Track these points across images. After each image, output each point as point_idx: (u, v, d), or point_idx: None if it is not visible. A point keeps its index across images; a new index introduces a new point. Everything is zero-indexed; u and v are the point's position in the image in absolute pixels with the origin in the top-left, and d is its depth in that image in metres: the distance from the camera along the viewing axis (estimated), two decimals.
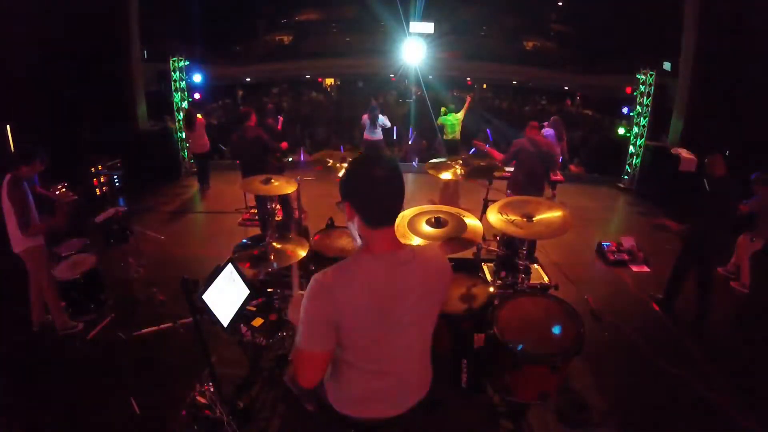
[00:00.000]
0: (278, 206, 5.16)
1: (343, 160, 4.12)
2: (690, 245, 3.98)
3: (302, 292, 1.59)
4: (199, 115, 7.45)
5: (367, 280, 1.36)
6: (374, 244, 1.40)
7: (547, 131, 7.41)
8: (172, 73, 8.22)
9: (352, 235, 1.46)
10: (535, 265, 4.04)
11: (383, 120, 8.08)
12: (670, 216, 4.15)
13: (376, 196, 1.36)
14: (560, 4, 15.44)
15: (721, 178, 3.81)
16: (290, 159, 6.53)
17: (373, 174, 1.35)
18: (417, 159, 9.98)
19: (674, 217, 4.05)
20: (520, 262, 3.11)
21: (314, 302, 1.35)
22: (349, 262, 1.40)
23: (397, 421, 1.54)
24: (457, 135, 8.93)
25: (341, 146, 10.82)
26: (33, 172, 3.47)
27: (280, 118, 8.17)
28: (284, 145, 5.66)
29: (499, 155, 5.01)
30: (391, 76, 14.30)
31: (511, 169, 4.93)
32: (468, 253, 3.30)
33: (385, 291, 1.37)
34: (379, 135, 8.09)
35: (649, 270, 5.07)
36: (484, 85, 18.71)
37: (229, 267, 2.56)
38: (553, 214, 2.90)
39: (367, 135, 8.11)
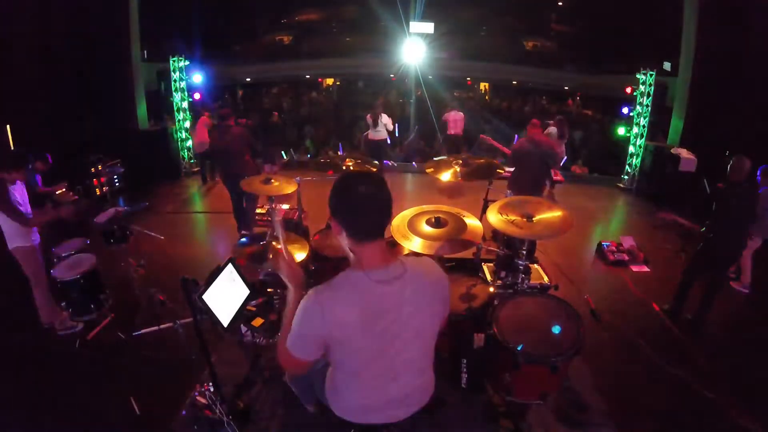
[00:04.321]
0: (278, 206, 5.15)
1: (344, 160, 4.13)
2: (706, 249, 3.85)
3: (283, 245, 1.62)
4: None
5: (359, 298, 1.36)
6: (364, 258, 1.40)
7: (551, 129, 7.45)
8: (172, 73, 8.22)
9: (345, 248, 1.46)
10: (535, 265, 4.04)
11: (386, 120, 8.08)
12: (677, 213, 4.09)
13: (361, 212, 1.36)
14: (560, 4, 15.42)
15: (740, 182, 3.64)
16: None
17: (358, 190, 1.35)
18: (416, 159, 9.97)
19: (681, 213, 3.98)
20: (520, 262, 3.11)
21: (306, 318, 1.36)
22: (340, 279, 1.40)
23: (399, 424, 1.55)
24: (459, 131, 8.95)
25: (340, 145, 10.88)
26: (21, 176, 3.46)
27: (242, 121, 8.31)
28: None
29: (508, 150, 5.21)
30: (392, 76, 14.29)
31: (512, 168, 4.94)
32: (468, 253, 3.29)
33: (378, 306, 1.37)
34: (382, 134, 8.08)
35: (649, 270, 5.07)
36: (483, 86, 18.67)
37: (229, 267, 2.56)
38: (553, 214, 2.90)
39: (371, 135, 8.11)
